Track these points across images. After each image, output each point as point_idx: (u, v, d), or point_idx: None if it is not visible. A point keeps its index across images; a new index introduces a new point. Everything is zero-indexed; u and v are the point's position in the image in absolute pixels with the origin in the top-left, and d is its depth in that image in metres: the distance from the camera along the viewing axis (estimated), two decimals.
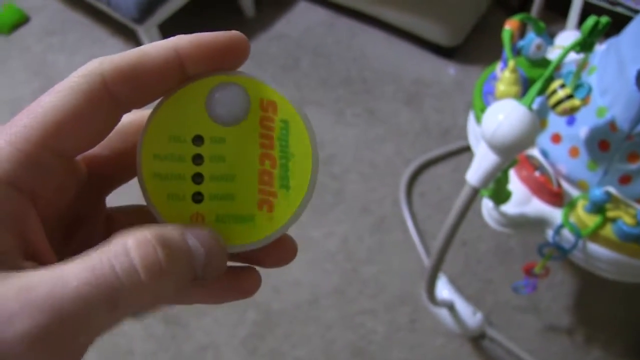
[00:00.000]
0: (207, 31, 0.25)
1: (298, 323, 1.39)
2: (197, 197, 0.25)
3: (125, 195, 0.33)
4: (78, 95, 0.22)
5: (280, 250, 0.28)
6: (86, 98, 0.22)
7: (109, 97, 0.23)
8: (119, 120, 0.24)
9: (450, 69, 1.86)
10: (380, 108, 1.78)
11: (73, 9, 2.15)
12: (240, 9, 2.06)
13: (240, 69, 0.26)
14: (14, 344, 0.17)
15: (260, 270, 0.27)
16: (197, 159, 0.25)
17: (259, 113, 0.25)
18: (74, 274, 0.19)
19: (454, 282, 1.37)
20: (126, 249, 0.20)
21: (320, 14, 2.07)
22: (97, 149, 0.26)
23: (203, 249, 0.22)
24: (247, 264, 0.28)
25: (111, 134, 0.26)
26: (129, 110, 0.24)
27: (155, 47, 0.23)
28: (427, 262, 1.37)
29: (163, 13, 1.76)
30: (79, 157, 0.26)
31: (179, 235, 0.22)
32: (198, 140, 0.25)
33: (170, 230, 0.22)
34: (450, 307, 1.28)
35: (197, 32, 0.25)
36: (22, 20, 2.14)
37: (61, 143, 0.22)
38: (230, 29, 0.25)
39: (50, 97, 0.22)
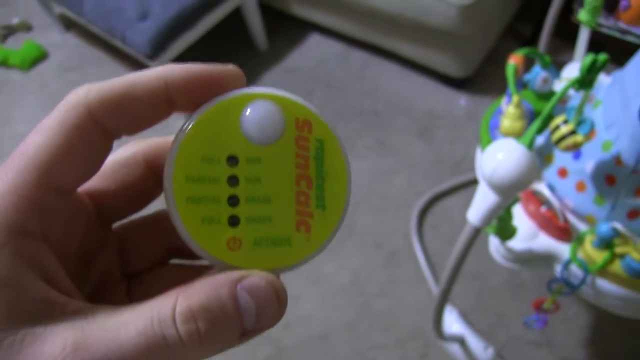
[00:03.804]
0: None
1: (310, 359, 1.38)
2: (233, 221, 0.24)
3: None
4: (66, 130, 0.22)
5: None
6: (74, 132, 0.22)
7: (97, 127, 0.22)
8: (110, 149, 0.24)
9: (461, 101, 1.86)
10: (392, 140, 1.78)
11: (91, 45, 2.20)
12: (253, 42, 2.08)
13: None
14: None
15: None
16: (232, 181, 0.24)
17: (294, 132, 0.25)
18: (128, 337, 0.20)
19: (465, 316, 1.35)
20: (174, 318, 0.20)
21: (333, 46, 2.08)
22: (103, 184, 0.27)
23: (254, 305, 0.22)
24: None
25: (115, 168, 0.27)
26: (118, 138, 0.24)
27: (144, 78, 0.23)
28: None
29: (175, 49, 1.78)
30: (82, 192, 0.26)
31: (227, 297, 0.22)
32: (232, 160, 0.24)
33: (219, 290, 0.22)
34: (461, 341, 1.26)
35: None
36: (41, 57, 2.20)
37: (57, 180, 0.22)
38: (243, 63, 0.25)
39: (39, 136, 0.22)
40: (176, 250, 0.29)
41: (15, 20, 2.30)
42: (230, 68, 0.25)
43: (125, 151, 0.27)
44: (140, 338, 0.20)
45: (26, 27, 2.32)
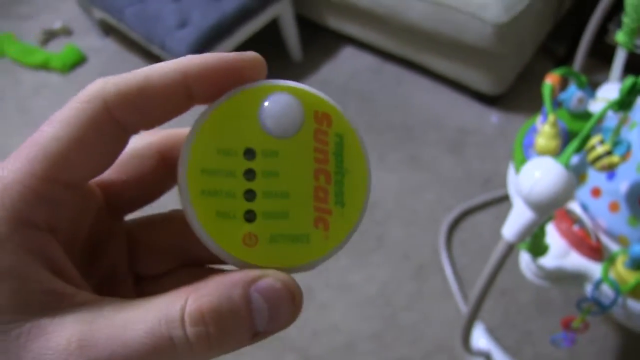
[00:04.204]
0: None
1: None
2: (249, 216, 0.23)
3: None
4: (81, 123, 0.21)
5: None
6: (89, 126, 0.21)
7: (113, 122, 0.22)
8: (126, 144, 0.23)
9: (493, 117, 1.86)
10: (422, 155, 1.79)
11: (129, 50, 2.25)
12: (287, 53, 2.11)
13: None
14: None
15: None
16: (249, 174, 0.23)
17: (313, 125, 0.24)
18: (134, 337, 0.19)
19: (492, 332, 1.35)
20: (183, 319, 0.20)
21: (367, 59, 2.10)
22: (114, 175, 0.26)
23: (267, 307, 0.21)
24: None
25: (127, 159, 0.26)
26: (135, 133, 0.23)
27: (161, 70, 0.22)
28: (464, 311, 1.36)
29: None
30: (93, 182, 0.26)
31: (240, 298, 0.21)
32: (249, 153, 0.23)
33: (232, 292, 0.21)
34: (487, 357, 1.26)
35: None
36: (81, 61, 2.26)
37: (67, 174, 0.21)
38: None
39: (52, 127, 0.21)
40: (188, 256, 0.28)
41: (57, 25, 2.36)
42: (250, 56, 0.24)
43: (140, 141, 0.26)
44: (148, 338, 0.19)
45: (67, 32, 2.38)
